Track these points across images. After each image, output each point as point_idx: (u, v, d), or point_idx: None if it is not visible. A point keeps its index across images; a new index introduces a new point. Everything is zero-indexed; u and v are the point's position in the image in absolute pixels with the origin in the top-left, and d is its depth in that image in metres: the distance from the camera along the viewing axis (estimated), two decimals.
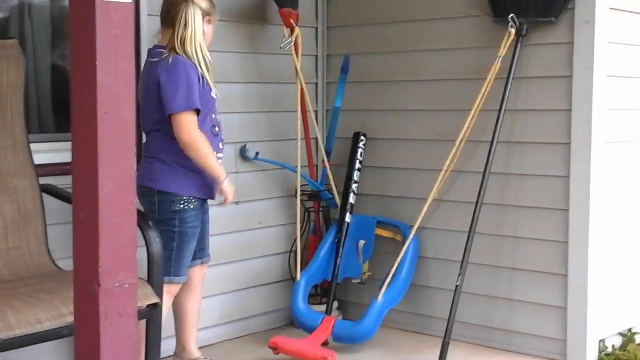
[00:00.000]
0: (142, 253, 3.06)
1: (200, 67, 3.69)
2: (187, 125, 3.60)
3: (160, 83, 3.61)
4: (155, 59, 3.68)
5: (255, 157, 4.58)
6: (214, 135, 3.79)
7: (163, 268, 3.51)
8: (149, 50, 3.79)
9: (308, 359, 4.18)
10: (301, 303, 4.53)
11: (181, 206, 3.71)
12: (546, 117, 4.25)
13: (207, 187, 3.80)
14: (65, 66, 4.24)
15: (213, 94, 3.78)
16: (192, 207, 3.74)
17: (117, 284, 2.12)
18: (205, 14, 3.74)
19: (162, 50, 3.69)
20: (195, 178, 3.74)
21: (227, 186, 3.77)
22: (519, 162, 4.35)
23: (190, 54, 3.67)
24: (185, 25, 3.66)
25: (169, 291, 3.73)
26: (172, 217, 3.71)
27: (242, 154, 4.63)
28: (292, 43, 4.60)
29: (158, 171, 3.71)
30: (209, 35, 3.81)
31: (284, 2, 4.58)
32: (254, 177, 4.69)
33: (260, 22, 4.73)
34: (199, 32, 3.70)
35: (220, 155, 3.82)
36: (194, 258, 3.90)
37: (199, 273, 3.99)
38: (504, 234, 4.43)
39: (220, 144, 3.83)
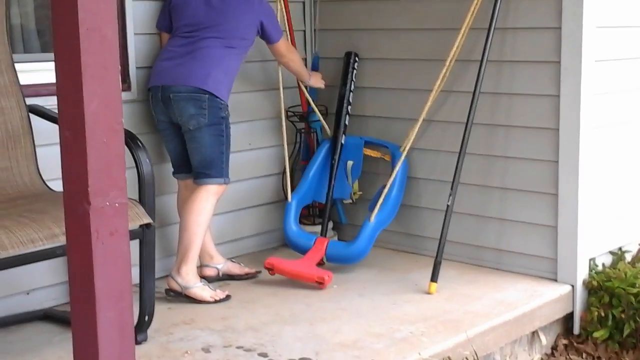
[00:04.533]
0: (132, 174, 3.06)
1: None
2: (287, 47, 4.38)
3: (264, 16, 4.14)
4: None
5: None
6: None
7: (215, 171, 4.03)
8: None
9: (305, 279, 4.21)
10: (293, 224, 4.54)
11: (227, 113, 4.07)
12: (536, 35, 4.20)
13: None
14: None
15: None
16: (229, 114, 4.09)
17: (107, 203, 2.12)
18: None
19: None
20: (230, 89, 4.10)
21: (315, 82, 4.70)
22: (509, 82, 4.32)
23: None
24: None
25: (218, 192, 4.09)
26: (220, 122, 4.04)
27: None
28: None
29: (213, 77, 3.99)
30: None
31: None
32: (243, 97, 4.66)
33: None
34: None
35: None
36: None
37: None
38: (494, 154, 4.43)
39: None
